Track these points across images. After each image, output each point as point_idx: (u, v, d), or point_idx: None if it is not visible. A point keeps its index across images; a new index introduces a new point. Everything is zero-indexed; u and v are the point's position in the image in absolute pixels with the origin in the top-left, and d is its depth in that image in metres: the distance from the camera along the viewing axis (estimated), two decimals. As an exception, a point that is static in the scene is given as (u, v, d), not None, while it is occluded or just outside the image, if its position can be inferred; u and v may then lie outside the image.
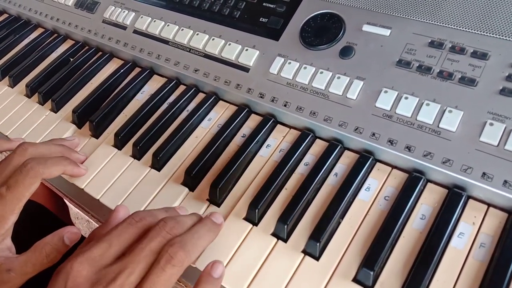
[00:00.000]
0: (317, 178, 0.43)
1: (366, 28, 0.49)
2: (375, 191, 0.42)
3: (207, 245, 0.39)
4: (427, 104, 0.42)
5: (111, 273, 0.33)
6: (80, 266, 0.33)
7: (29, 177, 0.43)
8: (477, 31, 0.44)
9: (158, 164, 0.50)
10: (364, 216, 0.41)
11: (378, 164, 0.44)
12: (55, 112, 0.61)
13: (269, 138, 0.49)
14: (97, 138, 0.56)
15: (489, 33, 0.43)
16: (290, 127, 0.50)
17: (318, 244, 0.39)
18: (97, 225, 0.51)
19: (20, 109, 0.64)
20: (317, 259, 0.39)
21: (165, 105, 0.57)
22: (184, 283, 0.42)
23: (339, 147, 0.45)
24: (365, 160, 0.44)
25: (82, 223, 1.38)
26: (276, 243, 0.41)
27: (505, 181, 0.37)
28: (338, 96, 0.46)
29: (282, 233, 0.41)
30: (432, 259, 0.36)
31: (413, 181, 0.41)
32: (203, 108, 0.54)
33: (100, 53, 0.68)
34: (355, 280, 0.37)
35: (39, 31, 0.77)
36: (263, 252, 0.41)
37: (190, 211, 0.43)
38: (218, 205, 0.45)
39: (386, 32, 0.47)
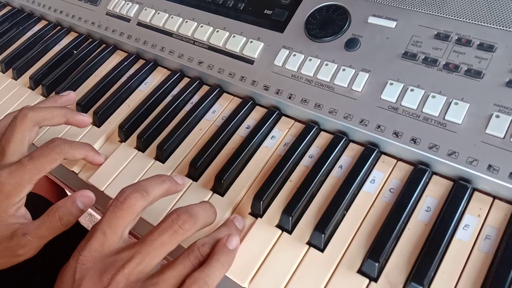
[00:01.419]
0: (322, 170, 0.43)
1: (372, 20, 0.48)
2: (380, 183, 0.42)
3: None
4: (433, 96, 0.42)
5: (119, 261, 0.34)
6: (84, 258, 0.34)
7: (54, 153, 0.44)
8: (484, 23, 0.43)
9: (162, 156, 0.50)
10: (369, 208, 0.41)
11: (383, 156, 0.44)
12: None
13: (274, 129, 0.49)
14: (99, 127, 0.56)
15: (496, 25, 0.43)
16: (294, 119, 0.50)
17: (323, 235, 0.39)
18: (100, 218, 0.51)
19: (24, 101, 0.64)
20: (322, 250, 0.39)
21: (169, 98, 0.57)
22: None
23: (344, 139, 0.45)
24: (370, 152, 0.43)
25: (85, 216, 1.38)
26: (280, 234, 0.41)
27: (511, 173, 0.37)
28: (343, 88, 0.46)
29: (287, 225, 0.41)
30: (437, 251, 0.36)
31: (419, 173, 0.41)
32: (207, 100, 0.54)
33: (104, 45, 0.68)
34: (360, 271, 0.37)
35: (42, 23, 0.77)
36: (268, 243, 0.41)
37: (194, 201, 0.42)
38: (222, 195, 0.45)
39: (392, 24, 0.47)
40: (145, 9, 0.63)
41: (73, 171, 0.52)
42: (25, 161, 0.42)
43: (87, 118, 0.52)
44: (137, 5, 0.64)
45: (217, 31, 0.56)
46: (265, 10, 0.55)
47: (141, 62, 0.63)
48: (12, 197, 0.41)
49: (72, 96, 0.55)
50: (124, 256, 0.34)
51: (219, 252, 0.37)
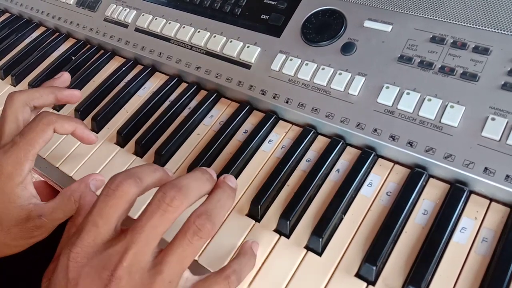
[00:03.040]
0: (319, 174, 0.43)
1: (368, 24, 0.49)
2: (377, 186, 0.42)
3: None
4: (429, 100, 0.42)
5: (115, 254, 0.30)
6: (76, 255, 0.31)
7: (42, 123, 0.44)
8: (479, 26, 0.44)
9: (160, 161, 0.50)
10: (366, 212, 0.41)
11: (380, 159, 0.44)
12: (58, 111, 0.61)
13: (271, 133, 0.49)
14: (97, 132, 0.56)
15: (491, 28, 0.43)
16: (292, 123, 0.50)
17: (320, 239, 0.39)
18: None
19: (22, 107, 0.64)
20: (320, 254, 0.39)
21: (167, 103, 0.57)
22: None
23: (341, 143, 0.45)
24: (367, 156, 0.44)
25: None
26: (278, 239, 0.41)
27: (507, 176, 0.37)
28: (339, 92, 0.46)
29: (284, 229, 0.41)
30: (434, 254, 0.36)
31: (415, 176, 0.41)
32: (205, 105, 0.54)
33: (102, 51, 0.68)
34: (358, 275, 0.37)
35: (40, 30, 0.78)
36: (266, 248, 0.41)
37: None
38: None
39: (388, 28, 0.47)
40: (143, 15, 0.64)
41: (71, 177, 0.52)
42: (17, 138, 0.43)
43: (77, 91, 0.52)
44: (135, 11, 0.65)
45: (214, 36, 0.56)
46: (262, 15, 0.55)
47: (139, 67, 0.64)
48: (14, 177, 0.42)
49: (65, 77, 0.55)
50: (118, 248, 0.30)
51: (250, 253, 0.37)
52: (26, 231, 0.41)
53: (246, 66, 0.53)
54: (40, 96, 0.48)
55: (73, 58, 0.69)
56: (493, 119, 0.39)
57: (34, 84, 0.65)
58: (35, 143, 0.43)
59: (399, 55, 0.45)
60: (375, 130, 0.43)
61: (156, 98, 0.57)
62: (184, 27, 0.59)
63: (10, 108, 0.46)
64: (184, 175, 0.35)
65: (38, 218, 0.41)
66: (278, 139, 0.49)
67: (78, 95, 0.52)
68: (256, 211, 0.43)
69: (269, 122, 0.50)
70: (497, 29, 0.43)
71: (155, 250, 0.32)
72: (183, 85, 0.59)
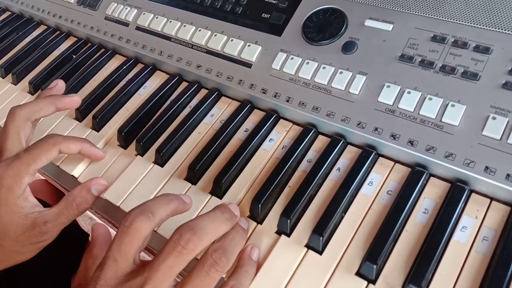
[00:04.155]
0: (320, 173, 0.43)
1: (369, 23, 0.49)
2: (378, 185, 0.42)
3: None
4: (430, 99, 0.42)
5: (134, 286, 0.34)
6: (101, 287, 0.34)
7: (48, 143, 0.45)
8: (480, 25, 0.44)
9: (161, 159, 0.50)
10: (367, 211, 0.41)
11: (380, 158, 0.44)
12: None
13: (272, 132, 0.49)
14: (98, 131, 0.57)
15: (492, 27, 0.43)
16: (292, 122, 0.50)
17: (321, 238, 0.39)
18: (101, 222, 0.51)
19: (23, 106, 0.64)
20: (320, 253, 0.39)
21: (168, 101, 0.57)
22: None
23: (341, 142, 0.45)
24: (367, 154, 0.44)
25: (85, 220, 1.38)
26: (279, 237, 0.41)
27: (508, 175, 0.37)
28: (340, 91, 0.46)
29: (285, 228, 0.41)
30: (435, 253, 0.36)
31: (416, 175, 0.41)
32: (206, 104, 0.54)
33: (103, 50, 0.68)
34: (358, 273, 0.38)
35: (41, 28, 0.78)
36: (267, 246, 0.41)
37: (192, 204, 0.42)
38: (220, 198, 0.46)
39: (389, 27, 0.47)
40: (144, 14, 0.64)
41: (72, 176, 0.52)
42: (21, 153, 0.44)
43: (76, 97, 0.52)
44: (136, 10, 0.65)
45: (215, 35, 0.56)
46: (263, 14, 0.55)
47: (140, 66, 0.64)
48: (14, 189, 0.43)
49: (60, 86, 0.55)
50: (137, 282, 0.34)
51: (246, 263, 0.38)
52: (33, 237, 0.43)
53: (247, 65, 0.53)
54: (40, 109, 0.49)
55: (74, 56, 0.69)
56: (494, 118, 0.39)
57: (34, 83, 0.65)
58: (38, 159, 0.44)
59: (400, 54, 0.45)
60: (376, 129, 0.43)
61: (157, 97, 0.57)
62: (185, 25, 0.59)
63: (12, 124, 0.47)
64: (203, 214, 0.37)
65: (44, 225, 0.43)
66: (279, 138, 0.49)
67: (78, 100, 0.53)
68: (256, 210, 0.43)
69: (270, 121, 0.50)
70: (498, 29, 0.43)
71: (172, 284, 0.35)
72: (184, 84, 0.59)
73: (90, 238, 0.45)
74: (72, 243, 0.65)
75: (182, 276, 0.42)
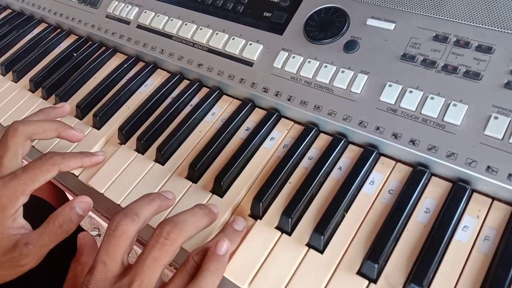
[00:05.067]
0: (321, 172, 0.43)
1: (371, 22, 0.48)
2: (380, 184, 0.42)
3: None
4: (432, 98, 0.42)
5: (123, 286, 0.34)
6: None
7: (47, 164, 0.44)
8: (482, 24, 0.44)
9: (162, 158, 0.50)
10: (368, 210, 0.41)
11: (382, 158, 0.44)
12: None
13: (273, 131, 0.49)
14: (98, 129, 0.56)
15: (494, 27, 0.43)
16: (294, 121, 0.50)
17: (322, 237, 0.39)
18: (101, 220, 0.51)
19: (24, 103, 0.64)
20: (322, 252, 0.39)
21: (168, 100, 0.57)
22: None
23: (343, 141, 0.45)
24: (369, 154, 0.44)
25: (85, 219, 1.38)
26: (280, 236, 0.41)
27: (510, 175, 0.37)
28: (342, 90, 0.46)
29: (286, 227, 0.41)
30: (436, 252, 0.36)
31: (418, 174, 0.41)
32: (207, 102, 0.54)
33: (104, 48, 0.68)
34: (360, 273, 0.37)
35: (42, 26, 0.77)
36: (268, 245, 0.41)
37: (193, 203, 0.42)
38: (221, 197, 0.45)
39: (391, 26, 0.47)
40: (145, 12, 0.63)
41: (73, 174, 0.52)
42: (19, 172, 0.43)
43: (79, 132, 0.53)
44: (137, 8, 0.65)
45: (217, 34, 0.56)
46: (264, 13, 0.55)
47: (140, 64, 0.63)
48: (7, 209, 0.42)
49: (66, 108, 0.55)
50: (126, 281, 0.35)
51: (208, 260, 0.37)
52: (13, 260, 0.41)
53: (249, 63, 0.53)
54: (43, 132, 0.49)
55: (75, 54, 0.69)
56: (496, 117, 0.39)
57: (35, 81, 0.65)
58: (36, 180, 0.43)
59: (402, 54, 0.45)
60: (378, 128, 0.43)
61: (158, 95, 0.57)
62: (186, 24, 0.59)
63: (12, 140, 0.46)
64: (183, 211, 0.39)
65: (25, 246, 0.41)
66: (280, 137, 0.49)
67: (81, 137, 0.53)
68: (258, 209, 0.43)
69: (271, 120, 0.50)
70: (501, 28, 0.43)
71: (159, 280, 0.36)
72: (185, 82, 0.59)
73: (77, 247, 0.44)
74: (73, 243, 0.65)
75: (172, 272, 0.42)
